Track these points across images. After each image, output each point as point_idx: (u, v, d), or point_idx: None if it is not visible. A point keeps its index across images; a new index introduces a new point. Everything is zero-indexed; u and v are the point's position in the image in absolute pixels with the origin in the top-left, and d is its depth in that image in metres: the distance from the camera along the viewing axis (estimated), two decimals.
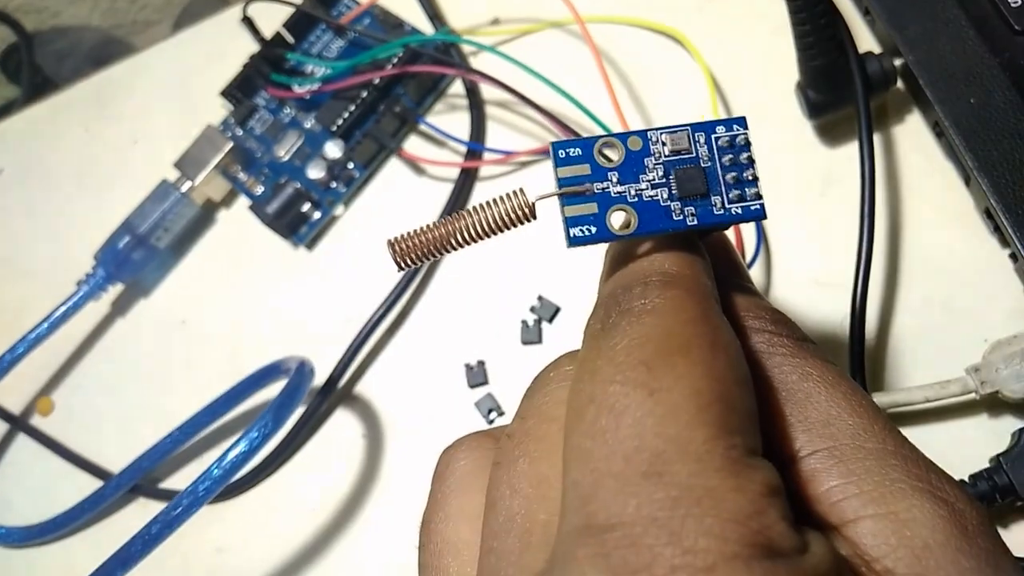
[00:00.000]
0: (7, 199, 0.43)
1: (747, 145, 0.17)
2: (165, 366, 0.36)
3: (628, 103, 0.33)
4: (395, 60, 0.34)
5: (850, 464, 0.15)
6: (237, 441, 0.27)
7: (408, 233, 0.17)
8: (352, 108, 0.35)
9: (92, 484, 0.35)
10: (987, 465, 0.25)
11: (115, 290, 0.37)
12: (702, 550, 0.12)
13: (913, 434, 0.25)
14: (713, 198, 0.17)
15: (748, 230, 0.29)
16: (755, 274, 0.30)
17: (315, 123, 0.36)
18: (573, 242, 0.16)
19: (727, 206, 0.17)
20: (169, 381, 0.36)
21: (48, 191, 0.43)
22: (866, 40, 0.30)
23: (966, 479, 0.25)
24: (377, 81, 0.35)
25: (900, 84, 0.29)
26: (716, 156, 0.17)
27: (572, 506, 0.14)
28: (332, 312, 0.34)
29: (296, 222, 0.35)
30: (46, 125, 0.45)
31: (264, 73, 0.36)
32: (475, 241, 0.17)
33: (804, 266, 0.29)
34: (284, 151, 0.36)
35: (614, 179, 0.17)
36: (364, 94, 0.35)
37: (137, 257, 0.35)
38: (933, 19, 0.28)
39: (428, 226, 0.17)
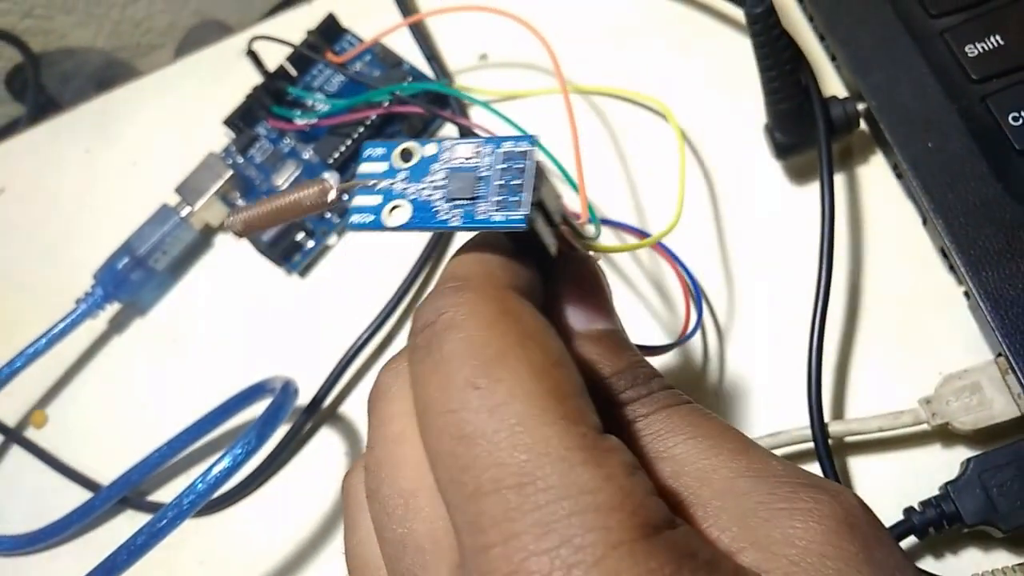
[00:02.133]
0: (8, 217, 0.46)
1: (524, 158, 0.18)
2: (157, 384, 0.38)
3: (606, 168, 0.36)
4: (389, 100, 0.36)
5: (707, 507, 0.16)
6: (221, 457, 0.29)
7: (239, 208, 0.21)
8: (349, 142, 0.37)
9: (83, 496, 0.37)
10: (936, 493, 0.26)
11: (112, 309, 0.39)
12: (590, 545, 0.13)
13: (867, 463, 0.28)
14: (479, 203, 0.18)
15: (720, 292, 0.31)
16: (722, 305, 0.31)
17: (313, 154, 0.39)
18: (351, 227, 0.19)
19: (488, 212, 0.18)
20: (161, 398, 0.38)
21: (48, 211, 0.45)
22: (833, 83, 0.33)
23: (916, 506, 0.26)
24: (373, 118, 0.37)
25: (864, 127, 0.31)
26: (495, 167, 0.18)
27: (462, 531, 0.15)
28: (321, 337, 0.37)
29: (290, 250, 0.37)
30: (48, 145, 0.47)
31: (266, 104, 0.39)
32: (286, 216, 0.21)
33: (771, 305, 0.31)
34: (282, 180, 0.38)
35: (402, 178, 0.19)
36: (360, 129, 0.37)
37: (135, 278, 0.38)
38: (895, 66, 0.30)
39: (258, 202, 0.21)
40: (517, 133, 0.19)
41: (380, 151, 0.19)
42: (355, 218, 0.19)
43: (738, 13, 0.36)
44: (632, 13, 0.38)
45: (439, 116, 0.38)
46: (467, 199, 0.18)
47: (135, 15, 0.63)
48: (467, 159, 0.18)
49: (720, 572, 0.14)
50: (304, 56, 0.40)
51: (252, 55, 0.39)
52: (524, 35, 0.39)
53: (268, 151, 0.40)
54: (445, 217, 0.18)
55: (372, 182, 0.19)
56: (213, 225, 0.40)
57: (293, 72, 0.40)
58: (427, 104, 0.37)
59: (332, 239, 0.38)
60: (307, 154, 0.39)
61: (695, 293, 0.31)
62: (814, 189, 0.32)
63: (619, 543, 0.13)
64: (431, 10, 0.40)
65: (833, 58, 0.32)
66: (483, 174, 0.18)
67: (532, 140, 0.18)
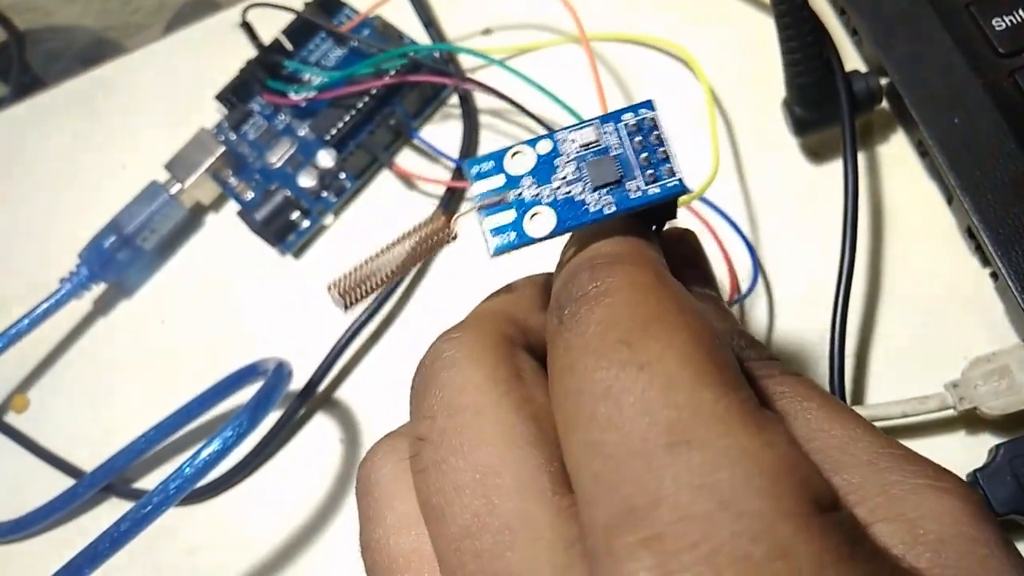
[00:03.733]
0: None
1: (655, 126, 0.17)
2: (144, 367, 0.37)
3: None
4: (394, 71, 0.35)
5: (845, 475, 0.15)
6: (210, 440, 0.28)
7: (344, 275, 0.18)
8: (347, 118, 0.36)
9: (65, 483, 0.36)
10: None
11: (98, 289, 0.38)
12: (757, 512, 0.12)
13: None
14: (627, 183, 0.17)
15: (743, 258, 0.30)
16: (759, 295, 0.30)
17: (309, 131, 0.37)
18: (496, 251, 0.17)
19: (643, 188, 0.17)
20: (147, 383, 0.37)
21: (31, 188, 0.44)
22: (852, 59, 0.32)
23: None
24: (375, 91, 0.36)
25: (885, 103, 0.30)
26: (626, 142, 0.17)
27: (600, 498, 0.13)
28: (316, 320, 0.36)
29: (284, 230, 0.36)
30: (32, 122, 0.46)
31: (260, 78, 0.38)
32: (406, 269, 0.18)
33: (789, 282, 0.30)
34: (276, 158, 0.37)
35: (527, 184, 0.17)
36: (360, 104, 0.37)
37: (122, 257, 0.37)
38: (919, 40, 0.29)
39: (360, 264, 0.18)
40: (626, 105, 0.18)
41: (488, 165, 0.18)
42: (497, 241, 0.17)
43: None
44: None
45: (447, 85, 0.36)
46: (612, 182, 0.17)
47: None
48: (593, 143, 0.17)
49: (884, 566, 0.13)
50: (301, 29, 0.39)
51: (246, 26, 0.38)
52: (528, 6, 0.38)
53: (262, 127, 0.39)
54: (597, 207, 0.17)
55: (496, 199, 0.17)
56: (204, 203, 0.39)
57: (289, 46, 0.39)
58: (433, 70, 0.36)
59: (328, 219, 0.37)
60: (303, 131, 0.38)
61: (749, 249, 0.30)
62: (834, 167, 0.31)
63: (790, 514, 0.12)
64: None
65: (854, 32, 0.31)
66: (616, 153, 0.17)
67: (652, 105, 0.17)
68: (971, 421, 0.27)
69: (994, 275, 0.28)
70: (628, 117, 0.17)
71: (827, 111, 0.29)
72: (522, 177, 0.17)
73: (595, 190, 0.17)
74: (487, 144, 0.37)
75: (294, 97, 0.38)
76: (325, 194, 0.37)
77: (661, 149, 0.17)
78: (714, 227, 0.30)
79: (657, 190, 0.17)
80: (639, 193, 0.17)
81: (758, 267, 0.31)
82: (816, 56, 0.28)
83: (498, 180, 0.17)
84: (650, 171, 0.17)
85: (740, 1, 0.35)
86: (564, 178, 0.17)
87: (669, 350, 0.14)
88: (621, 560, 0.12)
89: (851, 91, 0.29)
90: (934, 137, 0.28)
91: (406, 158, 0.37)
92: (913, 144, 0.30)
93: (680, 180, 0.17)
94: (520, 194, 0.17)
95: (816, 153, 0.32)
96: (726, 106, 0.34)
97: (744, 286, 0.30)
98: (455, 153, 0.36)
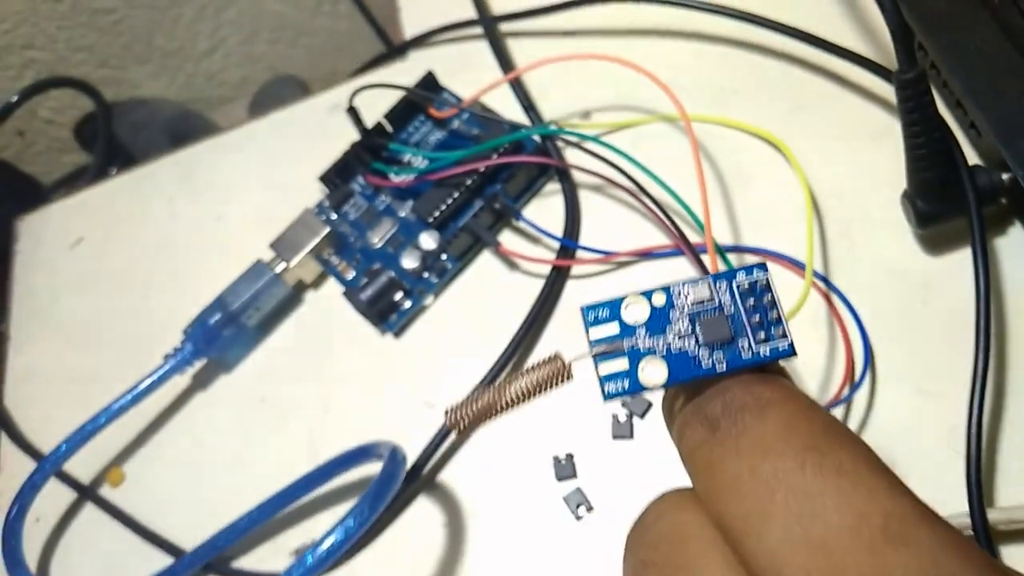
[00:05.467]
0: (86, 267, 0.45)
1: (768, 288, 0.18)
2: (242, 444, 0.38)
3: (721, 205, 0.35)
4: (500, 151, 0.36)
5: None
6: (332, 529, 0.28)
7: (461, 402, 0.19)
8: (450, 200, 0.37)
9: (159, 559, 0.36)
10: None
11: (198, 364, 0.38)
12: None
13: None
14: (740, 342, 0.18)
15: (856, 347, 0.30)
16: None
17: (411, 213, 0.38)
18: (608, 396, 0.18)
19: (754, 348, 0.18)
20: (244, 459, 0.37)
21: (128, 262, 0.45)
22: (969, 154, 0.32)
23: None
24: (483, 170, 0.37)
25: (1003, 198, 0.30)
26: (738, 302, 0.18)
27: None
28: (416, 399, 0.36)
29: (387, 310, 0.37)
30: (128, 196, 0.48)
31: (364, 160, 0.38)
32: (520, 404, 0.19)
33: (907, 377, 0.30)
34: (378, 238, 0.38)
35: (642, 334, 0.18)
36: (463, 187, 0.37)
37: (227, 334, 0.37)
38: None
39: (478, 394, 0.19)
40: (740, 265, 0.19)
41: (604, 312, 0.18)
42: (609, 387, 0.18)
43: (860, 75, 0.35)
44: (744, 76, 0.38)
45: (550, 165, 0.37)
46: (725, 340, 0.18)
47: (209, 68, 0.64)
48: (706, 300, 0.18)
49: None
50: (401, 113, 0.40)
51: (352, 111, 0.38)
52: (627, 92, 0.39)
53: (363, 208, 0.39)
54: (708, 364, 0.18)
55: (612, 346, 0.18)
56: (306, 282, 0.39)
57: (390, 129, 0.40)
58: (538, 151, 0.37)
59: (428, 299, 0.37)
60: (404, 212, 0.39)
61: (864, 345, 0.30)
62: (952, 260, 0.31)
63: None
64: (534, 62, 0.39)
65: (971, 125, 0.31)
66: (729, 312, 0.18)
67: (765, 268, 0.18)
68: None
69: None
70: (742, 278, 0.18)
71: (950, 205, 0.30)
72: (636, 328, 0.18)
73: (705, 346, 0.18)
74: (588, 223, 0.37)
75: (395, 179, 0.39)
76: (427, 275, 0.37)
77: (773, 312, 0.18)
78: (837, 308, 0.31)
79: (767, 352, 0.18)
80: (750, 353, 0.18)
81: (870, 358, 0.31)
82: (941, 152, 0.29)
83: (613, 328, 0.18)
84: (761, 332, 0.18)
85: (843, 89, 0.36)
86: (677, 332, 0.18)
87: (860, 460, 0.15)
88: None
89: (976, 186, 0.29)
90: None
91: (506, 238, 0.38)
92: None
93: (791, 344, 0.18)
94: (634, 344, 0.18)
95: (933, 245, 0.32)
96: (837, 195, 0.34)
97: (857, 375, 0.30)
98: (558, 232, 0.36)
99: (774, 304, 0.18)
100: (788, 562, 0.15)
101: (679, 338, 0.18)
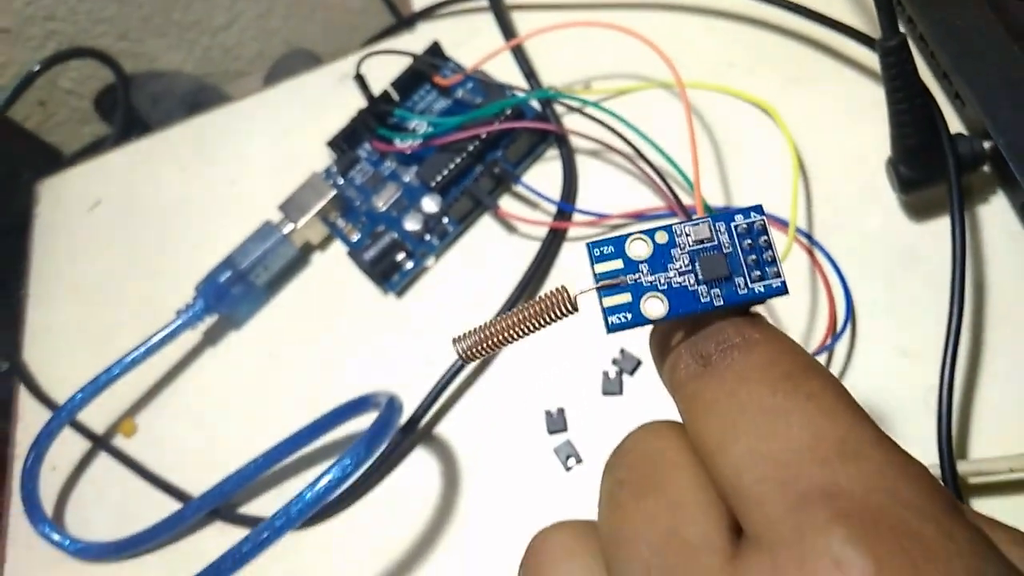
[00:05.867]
0: (103, 228, 0.47)
1: (764, 230, 0.19)
2: (249, 397, 0.39)
3: (713, 170, 0.36)
4: (501, 118, 0.37)
5: None
6: (330, 468, 0.29)
7: (469, 331, 0.20)
8: (452, 165, 0.38)
9: (169, 505, 0.37)
10: None
11: (209, 321, 0.39)
12: (925, 506, 0.14)
13: (997, 505, 0.27)
14: (736, 279, 0.19)
15: (838, 300, 0.31)
16: (840, 343, 0.31)
17: (414, 177, 0.40)
18: (612, 328, 0.19)
19: (750, 285, 0.19)
20: (252, 412, 0.38)
21: (143, 223, 0.46)
22: (954, 122, 0.33)
23: None
24: (484, 136, 0.38)
25: (986, 166, 0.31)
26: (736, 242, 0.19)
27: (770, 495, 0.15)
28: (416, 356, 0.37)
29: (390, 270, 0.38)
30: (144, 161, 0.49)
31: (371, 127, 0.40)
32: (527, 333, 0.20)
33: (888, 336, 0.31)
34: (383, 202, 0.39)
35: (645, 270, 0.19)
36: (465, 153, 0.38)
37: (236, 292, 0.38)
38: None
39: (486, 323, 0.20)
40: (739, 208, 0.20)
41: (609, 248, 0.19)
42: (613, 319, 0.19)
43: (854, 50, 0.36)
44: (742, 49, 0.38)
45: (549, 131, 0.38)
46: (722, 277, 0.19)
47: (226, 42, 0.65)
48: (706, 240, 0.19)
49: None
50: (407, 81, 0.41)
51: (359, 79, 0.40)
52: (627, 63, 0.40)
53: (368, 173, 0.41)
54: (707, 299, 0.19)
55: (615, 280, 0.19)
56: (313, 243, 0.40)
57: (396, 96, 0.41)
58: (537, 118, 0.38)
59: (430, 261, 0.39)
60: (408, 177, 0.40)
61: (845, 298, 0.31)
62: (934, 225, 0.32)
63: (950, 510, 0.14)
64: (537, 28, 0.40)
65: (956, 96, 0.32)
66: (727, 251, 0.19)
67: (761, 210, 0.19)
68: None
69: None
70: (740, 219, 0.19)
71: (932, 171, 0.30)
72: (639, 263, 0.19)
73: (705, 283, 0.19)
74: (585, 187, 0.38)
75: (400, 144, 0.40)
76: (428, 237, 0.39)
77: (768, 253, 0.19)
78: (820, 262, 0.32)
79: (762, 289, 0.19)
80: (746, 290, 0.19)
81: (851, 312, 0.32)
82: (924, 119, 0.30)
83: (617, 263, 0.19)
84: (757, 271, 0.19)
85: (837, 63, 0.37)
86: (678, 269, 0.19)
87: (829, 390, 0.16)
88: (812, 536, 0.14)
89: (957, 153, 0.30)
90: None
91: (505, 202, 0.39)
92: (1015, 206, 0.31)
93: (783, 282, 0.19)
94: (637, 279, 0.19)
95: (917, 211, 0.33)
96: (826, 162, 0.35)
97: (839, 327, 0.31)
98: (556, 196, 0.38)
99: (769, 245, 0.19)
100: (747, 473, 0.16)
101: (679, 274, 0.19)
